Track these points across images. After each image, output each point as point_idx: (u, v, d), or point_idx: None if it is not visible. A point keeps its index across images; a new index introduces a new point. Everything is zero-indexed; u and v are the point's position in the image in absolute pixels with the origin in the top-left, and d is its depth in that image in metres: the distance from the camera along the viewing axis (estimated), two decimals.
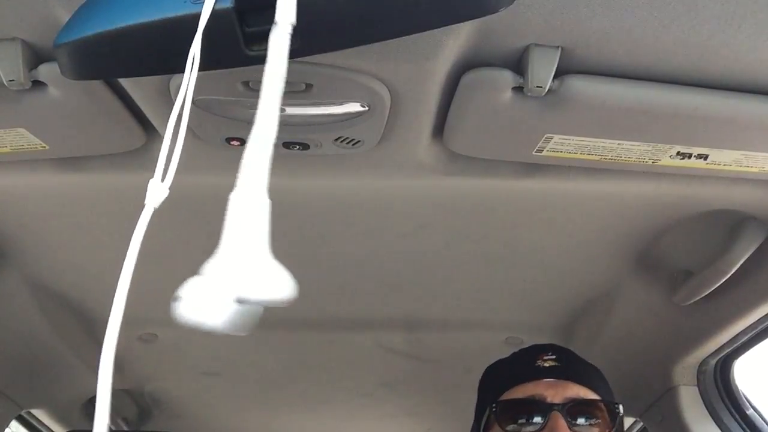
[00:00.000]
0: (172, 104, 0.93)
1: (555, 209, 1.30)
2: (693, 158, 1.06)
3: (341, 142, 1.02)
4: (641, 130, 1.00)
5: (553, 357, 1.36)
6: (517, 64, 0.91)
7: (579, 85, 0.91)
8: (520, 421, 1.30)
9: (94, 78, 0.86)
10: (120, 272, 0.49)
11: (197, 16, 0.57)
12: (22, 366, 1.88)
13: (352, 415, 2.76)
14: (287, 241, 1.40)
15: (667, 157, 1.06)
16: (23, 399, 2.01)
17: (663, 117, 0.97)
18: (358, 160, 1.09)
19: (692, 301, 1.50)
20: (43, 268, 1.52)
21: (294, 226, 1.35)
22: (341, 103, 0.94)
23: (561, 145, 1.04)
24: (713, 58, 0.88)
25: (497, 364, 1.47)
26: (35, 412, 2.15)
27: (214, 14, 0.58)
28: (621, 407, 1.34)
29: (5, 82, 0.88)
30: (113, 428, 2.46)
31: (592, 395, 1.32)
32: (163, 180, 0.54)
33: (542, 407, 1.28)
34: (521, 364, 1.39)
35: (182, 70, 0.55)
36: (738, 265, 1.35)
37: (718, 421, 1.74)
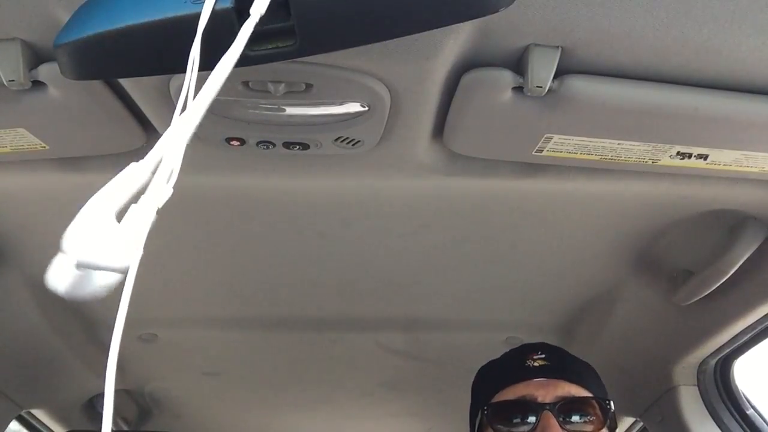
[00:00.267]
0: (172, 104, 0.94)
1: (555, 209, 1.30)
2: (693, 158, 1.06)
3: (341, 142, 1.02)
4: (641, 130, 1.00)
5: (543, 356, 1.36)
6: (517, 64, 0.91)
7: (579, 85, 0.91)
8: (512, 422, 1.30)
9: (94, 78, 0.86)
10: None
11: (197, 16, 0.57)
12: (22, 366, 1.88)
13: (352, 415, 2.76)
14: (287, 241, 1.41)
15: (667, 157, 1.06)
16: (23, 399, 2.01)
17: (663, 117, 0.97)
18: (358, 160, 1.09)
19: (692, 301, 1.50)
20: (43, 268, 1.51)
21: (294, 226, 1.35)
22: (341, 103, 0.94)
23: (561, 145, 1.04)
24: (713, 58, 0.88)
25: (489, 366, 1.47)
26: (35, 412, 2.16)
27: (214, 14, 0.58)
28: (612, 403, 1.34)
29: (5, 82, 0.88)
30: (114, 428, 2.46)
31: (584, 392, 1.32)
32: (168, 181, 0.54)
33: (533, 407, 1.28)
34: (511, 365, 1.38)
35: (182, 70, 0.55)
36: (738, 265, 1.35)
37: (718, 421, 1.74)
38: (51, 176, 1.14)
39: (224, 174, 1.15)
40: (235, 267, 1.52)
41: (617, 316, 1.71)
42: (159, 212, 0.49)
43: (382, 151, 1.07)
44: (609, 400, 1.34)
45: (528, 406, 1.29)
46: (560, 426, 1.25)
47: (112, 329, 0.44)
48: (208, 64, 0.55)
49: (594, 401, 1.32)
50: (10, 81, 0.87)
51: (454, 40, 0.84)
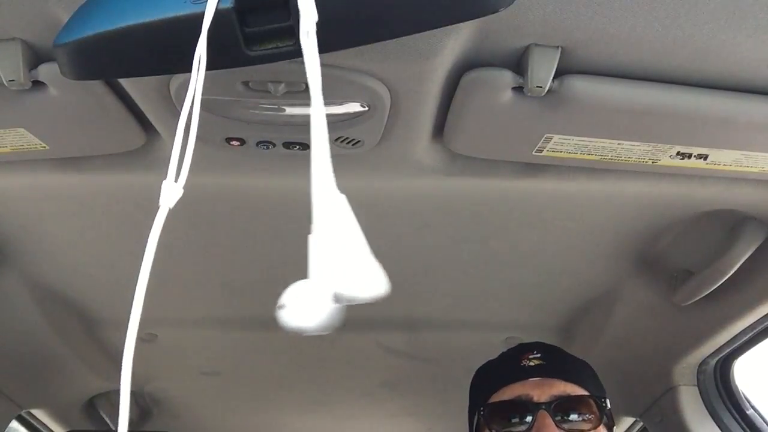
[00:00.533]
0: (172, 104, 0.94)
1: (555, 209, 1.30)
2: (693, 158, 1.06)
3: (341, 142, 1.02)
4: (641, 130, 1.00)
5: (539, 356, 1.36)
6: (517, 64, 0.91)
7: (579, 85, 0.91)
8: (508, 423, 1.30)
9: (94, 78, 0.86)
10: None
11: (197, 16, 0.57)
12: (22, 366, 1.88)
13: (352, 415, 2.76)
14: (287, 241, 1.40)
15: (667, 157, 1.06)
16: (23, 399, 2.02)
17: (663, 117, 0.97)
18: (358, 160, 1.09)
19: (692, 301, 1.50)
20: (43, 268, 1.52)
21: (294, 226, 1.35)
22: (341, 103, 0.94)
23: (561, 145, 1.04)
24: (713, 58, 0.88)
25: (485, 366, 1.47)
26: (35, 412, 2.16)
27: (215, 14, 0.58)
28: (608, 401, 1.34)
29: (5, 82, 0.88)
30: (114, 428, 2.46)
31: (580, 391, 1.32)
32: (176, 180, 0.54)
33: (529, 407, 1.28)
34: (507, 365, 1.38)
35: (182, 71, 0.55)
36: (738, 265, 1.35)
37: (718, 421, 1.74)
38: (51, 176, 1.14)
39: (224, 174, 1.14)
40: (235, 267, 1.52)
41: (617, 316, 1.71)
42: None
43: (382, 151, 1.07)
44: (605, 398, 1.34)
45: (524, 405, 1.29)
46: (556, 425, 1.25)
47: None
48: (208, 63, 0.55)
49: (590, 399, 1.31)
50: (10, 81, 0.87)
51: (454, 40, 0.84)
